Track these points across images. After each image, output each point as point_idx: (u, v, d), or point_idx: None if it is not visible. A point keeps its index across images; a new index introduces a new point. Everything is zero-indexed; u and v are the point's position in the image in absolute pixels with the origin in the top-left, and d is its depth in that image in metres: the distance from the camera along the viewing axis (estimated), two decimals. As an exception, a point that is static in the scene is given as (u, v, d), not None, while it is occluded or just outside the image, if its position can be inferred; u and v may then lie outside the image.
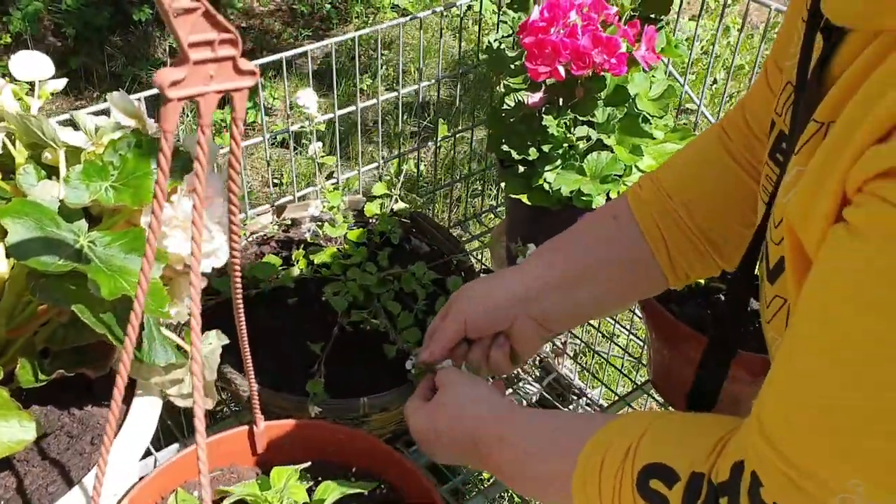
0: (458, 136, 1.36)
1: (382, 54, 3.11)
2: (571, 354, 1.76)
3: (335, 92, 1.16)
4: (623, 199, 0.81)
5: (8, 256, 0.74)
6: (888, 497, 0.43)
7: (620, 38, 0.96)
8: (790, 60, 0.61)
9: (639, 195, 0.80)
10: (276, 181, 2.60)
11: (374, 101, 1.16)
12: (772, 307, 0.60)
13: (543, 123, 1.02)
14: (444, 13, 1.19)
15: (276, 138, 1.13)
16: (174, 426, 1.13)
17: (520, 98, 1.09)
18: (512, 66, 1.09)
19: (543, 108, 1.05)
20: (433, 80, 1.22)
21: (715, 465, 0.54)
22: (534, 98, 1.07)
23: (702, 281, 1.07)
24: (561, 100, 1.04)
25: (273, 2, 3.53)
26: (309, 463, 0.74)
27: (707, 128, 0.83)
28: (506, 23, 1.11)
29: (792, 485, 0.47)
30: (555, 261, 0.81)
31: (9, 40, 2.92)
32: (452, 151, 1.58)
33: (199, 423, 0.48)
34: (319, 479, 0.80)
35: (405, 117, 2.78)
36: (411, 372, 0.86)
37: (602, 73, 1.00)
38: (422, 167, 1.37)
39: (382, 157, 1.28)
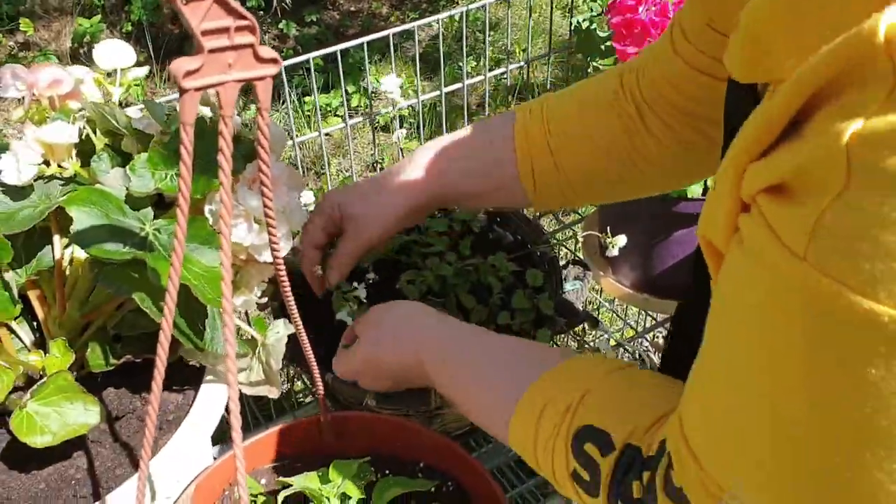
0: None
1: (489, 34, 3.07)
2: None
3: (418, 75, 1.14)
4: (510, 125, 0.81)
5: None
6: (759, 495, 0.43)
7: (716, 16, 0.89)
8: None
9: (526, 125, 0.80)
10: (379, 162, 2.61)
11: (459, 84, 1.13)
12: None
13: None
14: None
15: (378, 122, 1.12)
16: (259, 412, 1.15)
17: (610, 81, 1.03)
18: (602, 48, 1.04)
19: (634, 92, 0.99)
20: (521, 63, 1.18)
21: (650, 441, 0.54)
22: (625, 81, 1.01)
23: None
24: (653, 83, 0.98)
25: (381, -15, 3.55)
26: (368, 458, 0.73)
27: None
28: (597, 2, 1.05)
29: (695, 475, 0.47)
30: (435, 185, 0.83)
31: (130, 28, 3.05)
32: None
33: (235, 420, 0.47)
34: (387, 472, 0.78)
35: (510, 99, 2.74)
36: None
37: (696, 54, 0.93)
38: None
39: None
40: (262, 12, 3.18)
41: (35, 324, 0.77)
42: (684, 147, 0.75)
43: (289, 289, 0.57)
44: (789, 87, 0.36)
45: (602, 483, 0.55)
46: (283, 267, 0.54)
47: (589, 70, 1.08)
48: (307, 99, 2.77)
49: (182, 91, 0.37)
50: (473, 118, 2.70)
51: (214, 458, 0.79)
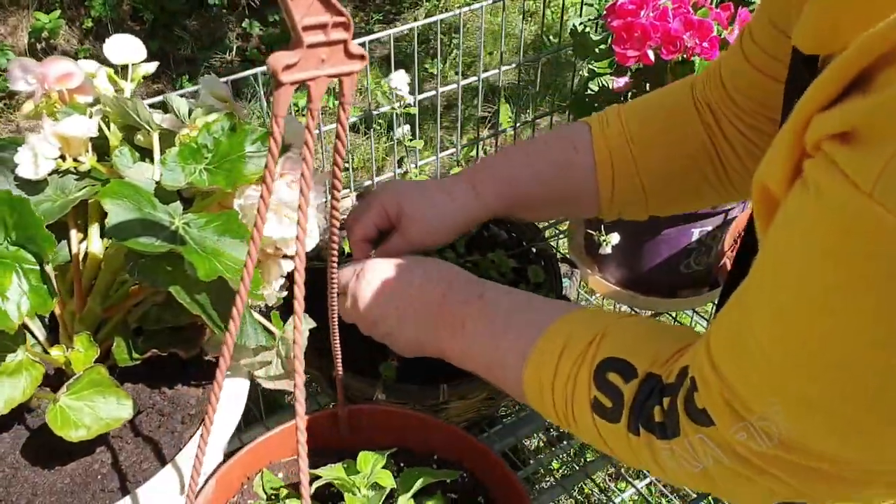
0: (535, 121, 1.34)
1: (453, 38, 3.09)
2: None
3: (416, 76, 1.16)
4: (587, 131, 0.82)
5: (102, 237, 0.76)
6: (806, 413, 0.46)
7: (713, 22, 0.93)
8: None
9: (605, 132, 0.81)
10: (346, 166, 2.61)
11: (455, 85, 1.15)
12: None
13: (630, 109, 1.00)
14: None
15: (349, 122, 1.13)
16: (253, 407, 1.15)
17: (604, 83, 1.06)
18: (597, 50, 1.07)
19: (630, 93, 1.03)
20: (514, 65, 1.21)
21: (670, 369, 0.57)
22: (619, 83, 1.04)
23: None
24: (648, 85, 1.02)
25: (344, -14, 3.54)
26: (395, 449, 0.74)
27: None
28: (591, 5, 1.08)
29: (720, 397, 0.50)
30: (505, 191, 0.83)
31: (90, 24, 2.99)
32: (533, 136, 1.56)
33: (300, 406, 0.48)
34: (402, 465, 0.80)
35: (475, 102, 2.77)
36: None
37: (692, 58, 0.97)
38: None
39: (455, 143, 1.27)
40: (224, 10, 3.15)
41: (45, 319, 0.76)
42: (756, 160, 0.78)
43: (336, 280, 0.58)
44: (857, 46, 0.39)
45: (625, 407, 0.58)
46: (335, 255, 0.55)
47: (583, 71, 1.11)
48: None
49: (279, 84, 0.38)
50: (442, 119, 2.71)
51: (224, 453, 0.80)
